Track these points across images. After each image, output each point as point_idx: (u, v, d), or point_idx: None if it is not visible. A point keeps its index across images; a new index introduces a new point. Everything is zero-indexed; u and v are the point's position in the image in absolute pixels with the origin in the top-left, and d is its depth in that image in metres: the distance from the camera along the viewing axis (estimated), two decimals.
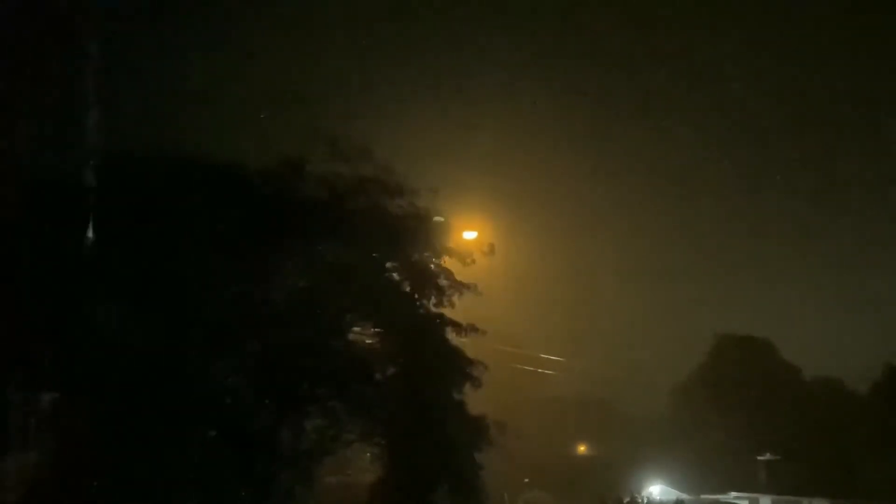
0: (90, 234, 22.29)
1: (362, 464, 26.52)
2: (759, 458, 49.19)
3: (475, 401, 27.57)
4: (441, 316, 26.75)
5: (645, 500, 47.58)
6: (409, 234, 26.46)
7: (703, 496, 47.67)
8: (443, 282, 26.88)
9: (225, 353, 23.24)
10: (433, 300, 26.77)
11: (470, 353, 27.26)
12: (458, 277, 27.00)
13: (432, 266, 27.09)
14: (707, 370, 55.82)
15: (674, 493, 48.23)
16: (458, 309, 27.00)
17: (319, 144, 26.04)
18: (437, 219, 26.77)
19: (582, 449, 62.02)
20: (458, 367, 26.68)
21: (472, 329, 27.18)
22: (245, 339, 23.45)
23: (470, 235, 28.50)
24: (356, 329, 26.15)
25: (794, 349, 55.89)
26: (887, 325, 55.10)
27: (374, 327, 26.33)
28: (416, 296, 26.78)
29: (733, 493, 47.15)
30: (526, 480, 50.43)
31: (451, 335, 26.76)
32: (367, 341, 26.34)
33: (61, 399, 22.49)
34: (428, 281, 26.84)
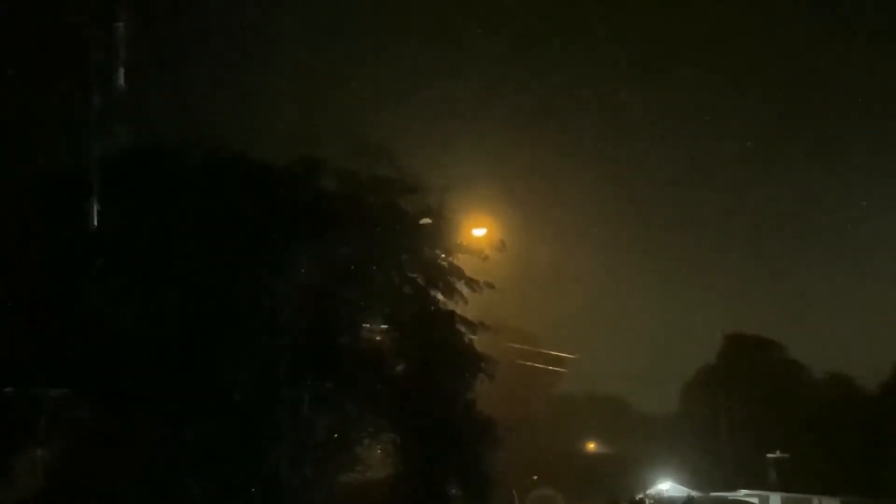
0: (105, 228, 22.39)
1: (373, 460, 26.51)
2: (769, 455, 49.09)
3: (485, 398, 27.62)
4: (452, 313, 26.86)
5: (655, 498, 47.57)
6: (421, 231, 26.54)
7: (712, 493, 47.54)
8: (454, 279, 26.96)
9: (237, 349, 23.26)
10: (444, 297, 26.86)
11: (481, 350, 27.36)
12: (470, 274, 27.11)
13: (444, 263, 27.16)
14: (717, 368, 55.67)
15: (684, 491, 48.13)
16: (469, 306, 27.10)
17: (332, 142, 26.23)
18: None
19: (592, 446, 61.95)
20: (469, 364, 26.77)
21: (484, 326, 27.29)
22: (257, 334, 23.48)
23: (479, 232, 28.55)
24: (367, 325, 26.22)
25: (804, 347, 55.78)
26: None
27: (386, 324, 26.40)
28: (428, 292, 26.85)
29: (743, 491, 46.95)
30: (535, 477, 50.37)
31: (463, 332, 26.85)
32: (379, 338, 26.40)
33: (73, 393, 22.56)
34: (439, 278, 26.92)
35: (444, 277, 27.02)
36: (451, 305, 27.03)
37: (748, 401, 50.80)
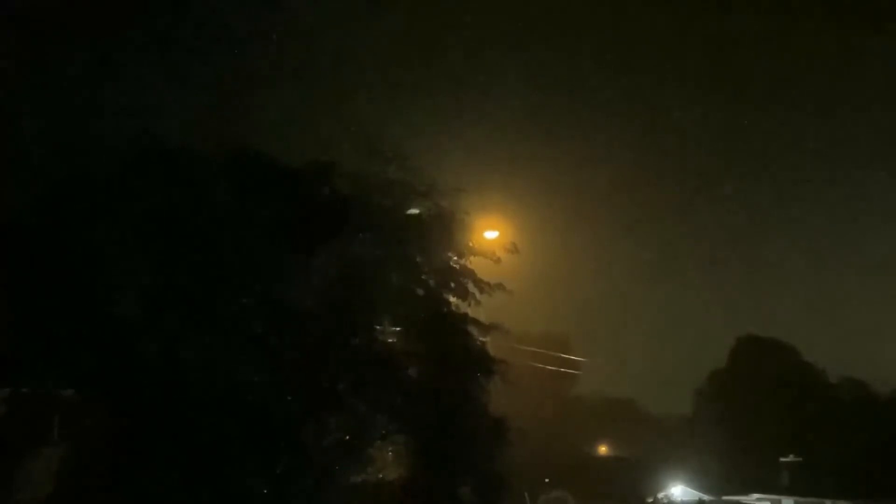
0: (117, 231, 22.48)
1: (385, 461, 26.54)
2: (782, 459, 49.02)
3: (498, 400, 27.63)
4: (465, 315, 26.84)
5: (666, 501, 47.57)
6: (434, 233, 26.57)
7: (724, 497, 47.53)
8: (466, 281, 26.97)
9: (249, 350, 23.31)
10: (457, 299, 26.87)
11: (493, 352, 27.37)
12: (482, 277, 27.13)
13: (456, 265, 27.18)
14: (730, 371, 55.66)
15: (695, 494, 48.14)
16: (481, 308, 27.11)
17: (345, 145, 26.30)
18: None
19: (604, 449, 62.02)
20: (481, 367, 26.75)
21: (496, 328, 27.29)
22: (270, 336, 23.55)
23: (492, 235, 28.56)
24: (380, 327, 26.24)
25: (818, 350, 55.73)
26: None
27: (398, 325, 26.41)
28: (440, 295, 26.86)
29: (755, 495, 46.96)
30: (547, 480, 50.43)
31: (475, 334, 26.85)
32: (391, 339, 26.41)
33: (86, 397, 22.66)
34: (451, 280, 26.93)
35: (457, 280, 27.02)
36: (463, 307, 27.00)
37: (761, 404, 50.72)
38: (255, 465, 23.02)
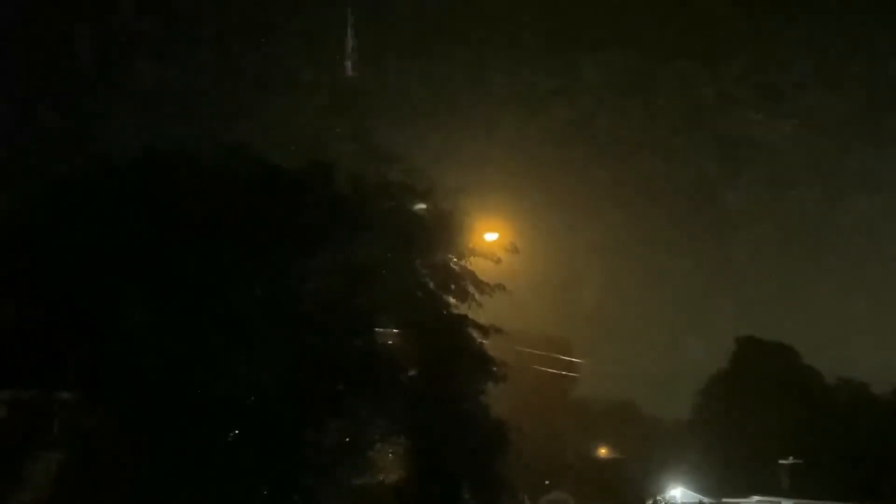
0: (118, 233, 22.47)
1: (385, 463, 26.53)
2: (781, 461, 48.98)
3: (498, 402, 27.61)
4: (465, 317, 26.80)
5: (666, 503, 47.55)
6: (434, 234, 26.55)
7: (724, 499, 47.51)
8: (466, 283, 26.93)
9: (250, 353, 23.30)
10: (457, 301, 26.84)
11: (493, 354, 27.33)
12: (482, 278, 27.09)
13: (456, 267, 27.15)
14: (730, 373, 55.65)
15: (695, 496, 48.11)
16: (481, 310, 27.06)
17: (346, 147, 26.31)
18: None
19: (603, 451, 61.98)
20: (481, 369, 26.73)
21: (496, 330, 27.24)
22: (270, 338, 23.52)
23: (492, 237, 28.53)
24: (380, 329, 26.21)
25: (817, 352, 55.70)
26: None
27: (398, 327, 26.39)
28: (440, 296, 26.83)
29: (755, 497, 46.93)
30: (547, 482, 50.44)
31: (475, 336, 26.81)
32: (391, 341, 26.39)
33: (86, 398, 22.65)
34: (452, 282, 26.89)
35: (457, 281, 26.97)
36: (463, 309, 26.97)
37: (761, 406, 50.69)
38: (255, 466, 23.00)
